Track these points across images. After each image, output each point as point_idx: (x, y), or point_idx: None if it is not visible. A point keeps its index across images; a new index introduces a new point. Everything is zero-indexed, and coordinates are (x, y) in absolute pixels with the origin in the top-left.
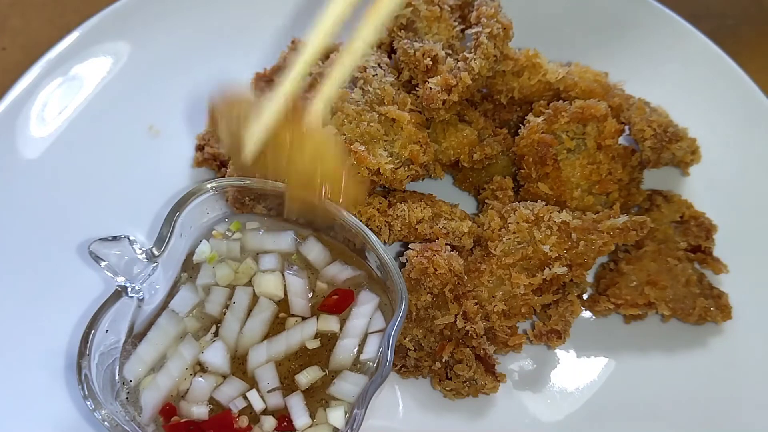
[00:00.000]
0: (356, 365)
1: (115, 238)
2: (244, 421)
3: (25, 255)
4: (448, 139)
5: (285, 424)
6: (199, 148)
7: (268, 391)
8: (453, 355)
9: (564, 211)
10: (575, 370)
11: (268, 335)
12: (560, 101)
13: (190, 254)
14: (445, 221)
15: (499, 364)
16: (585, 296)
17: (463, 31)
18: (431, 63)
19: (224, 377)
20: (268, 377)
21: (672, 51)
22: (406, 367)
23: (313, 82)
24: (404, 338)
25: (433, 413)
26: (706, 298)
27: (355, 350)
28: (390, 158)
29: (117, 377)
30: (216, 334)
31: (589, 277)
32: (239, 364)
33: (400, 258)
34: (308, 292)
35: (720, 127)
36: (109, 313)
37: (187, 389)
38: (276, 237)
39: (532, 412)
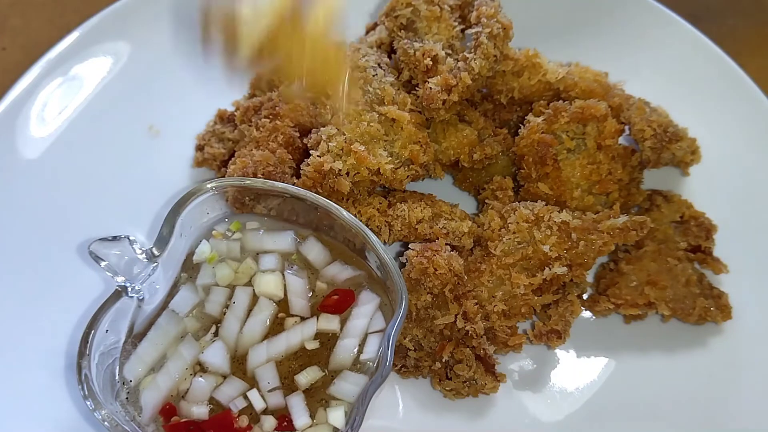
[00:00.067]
0: (356, 365)
1: (115, 238)
2: (244, 421)
3: (25, 255)
4: (448, 139)
5: (285, 424)
6: (199, 148)
7: (269, 391)
8: (453, 355)
9: (564, 211)
10: (575, 370)
11: (268, 335)
12: (560, 101)
13: (190, 254)
14: (445, 221)
15: (499, 364)
16: (585, 296)
17: (463, 31)
18: (431, 63)
19: (224, 377)
20: (269, 377)
21: (672, 51)
22: (406, 367)
23: None
24: (404, 338)
25: (433, 413)
26: (706, 298)
27: (356, 350)
28: (390, 158)
29: (117, 377)
30: (216, 334)
31: (589, 277)
32: (239, 364)
33: (400, 258)
34: (308, 292)
35: (720, 127)
36: (109, 313)
37: (187, 389)
38: (276, 237)
39: (532, 412)
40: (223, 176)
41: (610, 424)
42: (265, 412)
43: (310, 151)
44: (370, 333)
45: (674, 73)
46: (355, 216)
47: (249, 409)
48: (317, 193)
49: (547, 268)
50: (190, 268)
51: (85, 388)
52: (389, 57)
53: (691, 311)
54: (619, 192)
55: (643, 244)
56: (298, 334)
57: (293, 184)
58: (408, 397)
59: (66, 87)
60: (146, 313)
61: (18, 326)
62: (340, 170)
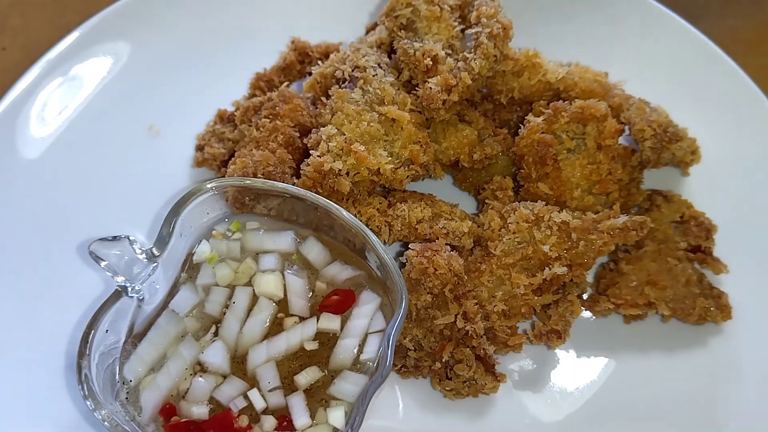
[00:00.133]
0: (356, 365)
1: (115, 238)
2: (244, 421)
3: (25, 255)
4: (448, 139)
5: (285, 423)
6: (199, 148)
7: (269, 390)
8: (453, 355)
9: (564, 211)
10: (575, 370)
11: (267, 335)
12: (560, 101)
13: (190, 254)
14: (445, 221)
15: (499, 364)
16: (585, 296)
17: (463, 31)
18: (431, 63)
19: (224, 377)
20: (269, 376)
21: (672, 51)
22: (406, 367)
23: (312, 82)
24: (404, 338)
25: (433, 413)
26: (706, 298)
27: (356, 350)
28: (390, 158)
29: (117, 377)
30: (216, 334)
31: (589, 277)
32: (239, 364)
33: (400, 258)
34: (308, 292)
35: (720, 126)
36: (109, 313)
37: (187, 389)
38: (276, 237)
39: (532, 412)
40: (223, 176)
41: (610, 424)
42: (266, 411)
43: (310, 151)
44: (370, 333)
45: (674, 73)
46: (355, 216)
47: (249, 409)
48: (317, 193)
49: (547, 268)
50: (190, 268)
51: (85, 388)
52: (389, 57)
53: (691, 311)
54: (619, 192)
55: (643, 244)
56: (298, 334)
57: (293, 184)
58: (408, 397)
59: (66, 87)
60: (146, 313)
61: (18, 326)
62: (340, 170)
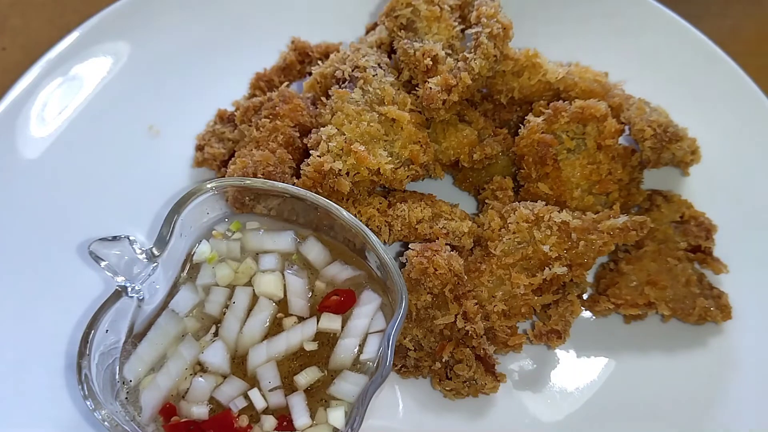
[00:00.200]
0: (356, 365)
1: (115, 238)
2: (244, 421)
3: (25, 255)
4: (448, 139)
5: (285, 423)
6: (199, 148)
7: (269, 390)
8: (453, 355)
9: (564, 211)
10: (575, 370)
11: (267, 335)
12: (560, 101)
13: (190, 254)
14: (445, 221)
15: (499, 364)
16: (585, 296)
17: (463, 31)
18: (431, 63)
19: (224, 377)
20: (269, 376)
21: (672, 51)
22: (406, 367)
23: (312, 82)
24: (404, 338)
25: (433, 413)
26: (706, 298)
27: (356, 350)
28: (390, 158)
29: (117, 377)
30: (216, 334)
31: (589, 277)
32: (239, 364)
33: (400, 258)
34: (308, 292)
35: (720, 127)
36: (109, 313)
37: (187, 389)
38: (276, 237)
39: (532, 412)
40: (223, 176)
41: (610, 424)
42: (266, 411)
43: (310, 151)
44: (370, 333)
45: (674, 73)
46: (355, 216)
47: (249, 408)
48: (317, 193)
49: (547, 268)
50: (190, 268)
51: (85, 388)
52: (389, 57)
53: (691, 311)
54: (619, 192)
55: (643, 244)
56: (298, 334)
57: (293, 184)
58: (408, 397)
59: (66, 87)
60: (146, 313)
61: (18, 326)
62: (340, 170)
